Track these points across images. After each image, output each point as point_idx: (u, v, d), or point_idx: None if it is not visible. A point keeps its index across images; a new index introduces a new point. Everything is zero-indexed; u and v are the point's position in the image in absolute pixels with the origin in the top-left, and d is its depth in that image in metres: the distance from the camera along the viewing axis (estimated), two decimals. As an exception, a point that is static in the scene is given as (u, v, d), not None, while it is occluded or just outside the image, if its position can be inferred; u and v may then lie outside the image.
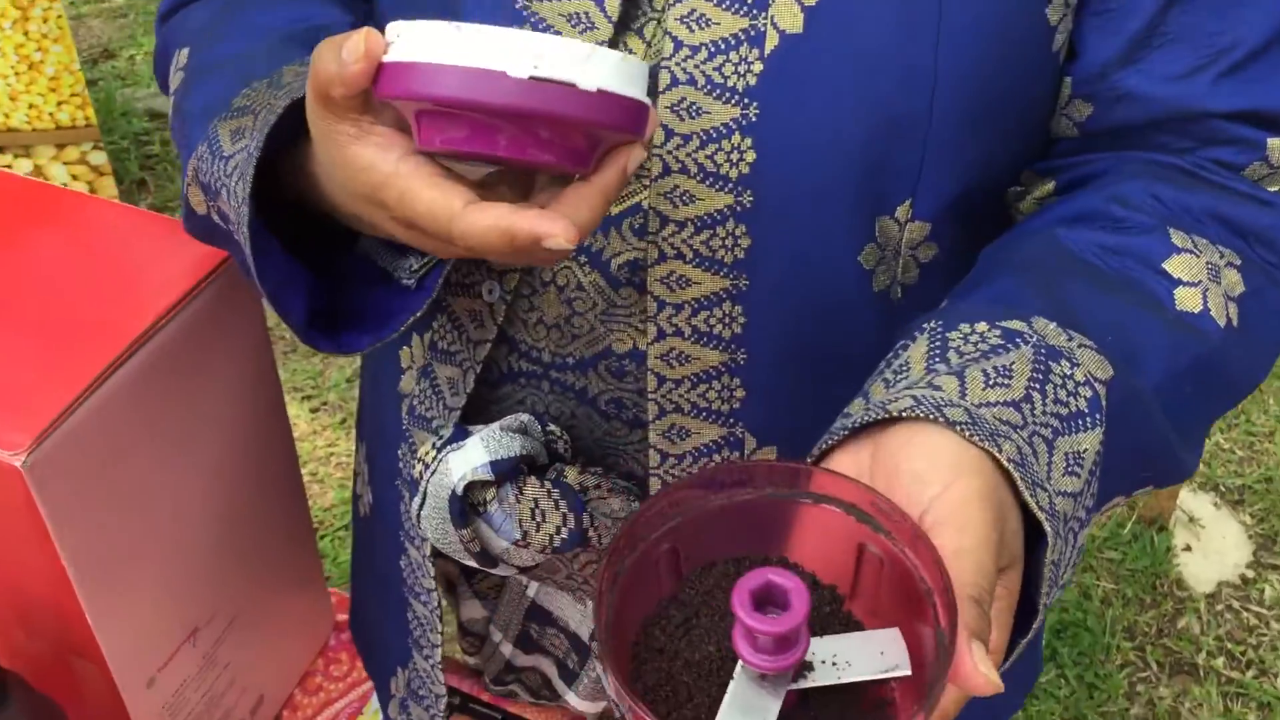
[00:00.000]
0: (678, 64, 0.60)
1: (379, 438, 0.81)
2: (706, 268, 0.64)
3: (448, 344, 0.72)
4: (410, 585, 0.81)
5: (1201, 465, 2.23)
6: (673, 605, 0.51)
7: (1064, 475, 0.53)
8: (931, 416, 0.51)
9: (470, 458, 0.67)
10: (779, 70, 0.59)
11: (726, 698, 0.46)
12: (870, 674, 0.47)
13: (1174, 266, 0.61)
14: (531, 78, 0.48)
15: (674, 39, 0.60)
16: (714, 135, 0.60)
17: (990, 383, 0.54)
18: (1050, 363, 0.55)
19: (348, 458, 2.28)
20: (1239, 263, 0.63)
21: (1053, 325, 0.57)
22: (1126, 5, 0.61)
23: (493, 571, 0.75)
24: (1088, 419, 0.55)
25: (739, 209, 0.62)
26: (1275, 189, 0.65)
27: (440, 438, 0.70)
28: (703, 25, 0.60)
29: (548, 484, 0.68)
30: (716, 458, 0.68)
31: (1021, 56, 0.61)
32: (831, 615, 0.51)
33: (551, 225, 0.51)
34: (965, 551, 0.48)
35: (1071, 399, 0.55)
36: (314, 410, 2.37)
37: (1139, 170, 0.64)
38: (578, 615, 0.82)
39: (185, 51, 0.70)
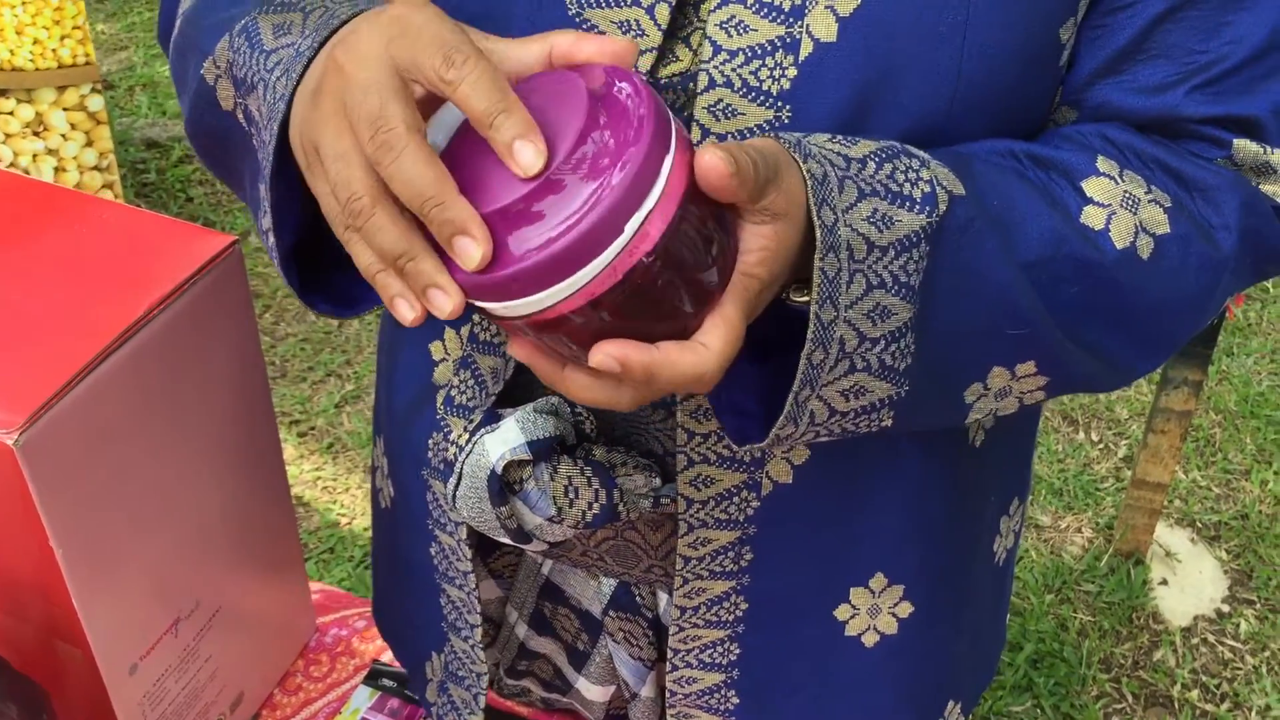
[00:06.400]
0: (715, 67, 0.63)
1: (405, 430, 0.82)
2: None
3: (489, 335, 0.74)
4: (443, 571, 0.83)
5: (1178, 501, 2.26)
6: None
7: (864, 221, 0.57)
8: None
9: (508, 438, 0.70)
10: (812, 75, 0.62)
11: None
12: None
13: (1090, 186, 0.65)
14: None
15: (713, 43, 0.63)
16: (748, 135, 0.63)
17: (832, 140, 0.59)
18: (902, 155, 0.60)
19: (334, 482, 2.29)
20: (1169, 205, 0.65)
21: (924, 153, 0.61)
22: (1118, 21, 0.65)
23: (525, 547, 0.78)
24: (916, 205, 0.59)
25: None
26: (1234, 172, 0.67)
27: (471, 422, 0.73)
28: (742, 31, 0.62)
29: (579, 462, 0.71)
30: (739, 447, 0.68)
31: (1034, 70, 0.64)
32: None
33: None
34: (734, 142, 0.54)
35: (908, 184, 0.59)
36: (301, 435, 2.38)
37: (1101, 120, 0.67)
38: (590, 592, 0.85)
39: None
